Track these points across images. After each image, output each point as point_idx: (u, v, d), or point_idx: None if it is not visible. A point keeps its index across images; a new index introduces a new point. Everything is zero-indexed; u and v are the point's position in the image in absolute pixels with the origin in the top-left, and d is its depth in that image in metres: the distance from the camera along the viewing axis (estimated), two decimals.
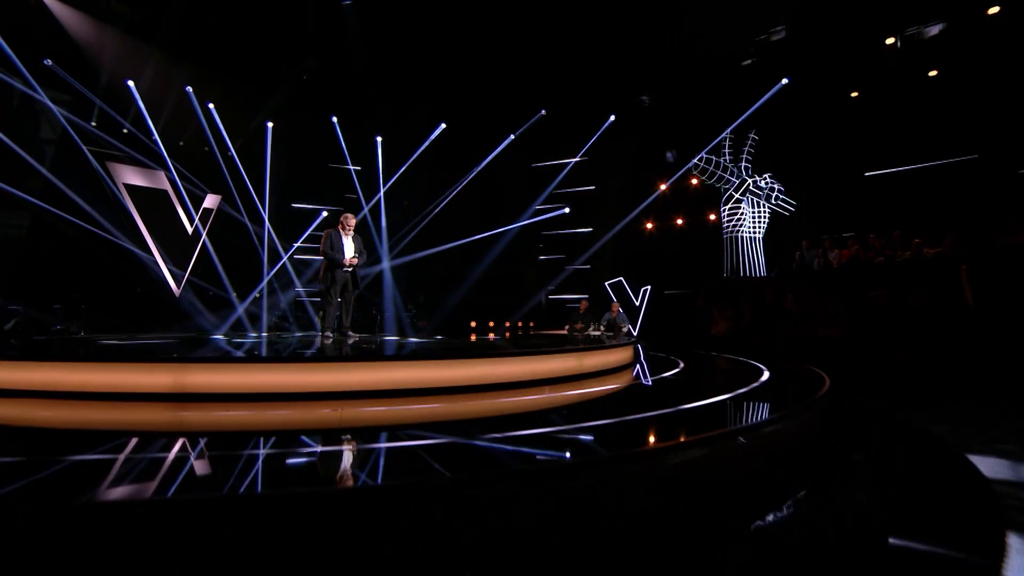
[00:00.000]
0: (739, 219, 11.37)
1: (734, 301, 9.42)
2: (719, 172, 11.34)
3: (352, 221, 7.62)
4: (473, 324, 12.50)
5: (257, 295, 12.65)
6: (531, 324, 13.94)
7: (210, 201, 13.22)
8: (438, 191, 15.24)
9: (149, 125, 11.91)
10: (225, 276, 12.69)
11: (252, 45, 11.37)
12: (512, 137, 14.34)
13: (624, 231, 14.12)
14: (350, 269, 7.50)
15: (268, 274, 12.74)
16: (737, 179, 11.36)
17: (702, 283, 11.55)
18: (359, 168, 14.49)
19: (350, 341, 7.56)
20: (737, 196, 11.34)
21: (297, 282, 13.06)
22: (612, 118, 13.73)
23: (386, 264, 13.21)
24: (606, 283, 13.58)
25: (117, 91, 11.32)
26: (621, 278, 13.49)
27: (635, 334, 12.54)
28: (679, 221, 13.53)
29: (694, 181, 13.24)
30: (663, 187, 13.81)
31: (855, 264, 9.81)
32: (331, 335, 7.44)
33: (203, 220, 13.05)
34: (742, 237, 11.37)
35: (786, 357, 6.96)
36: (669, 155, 12.33)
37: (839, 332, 6.62)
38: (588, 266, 14.46)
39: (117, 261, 11.04)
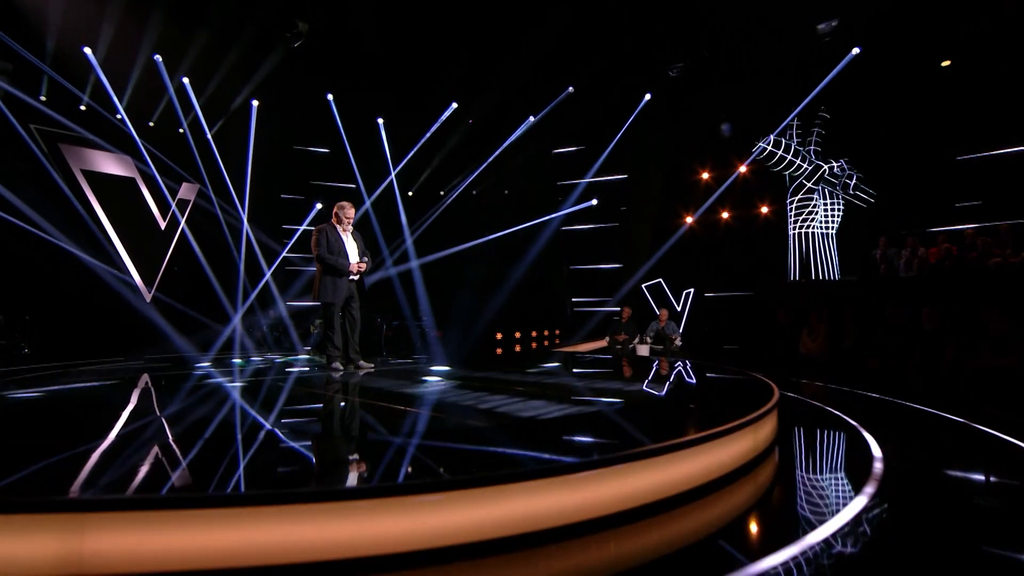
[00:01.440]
0: (811, 212, 9.72)
1: (831, 313, 7.80)
2: (788, 156, 9.67)
3: (351, 212, 5.86)
4: (499, 337, 10.80)
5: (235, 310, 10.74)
6: (556, 332, 12.29)
7: (186, 191, 11.38)
8: (447, 182, 13.51)
9: (113, 100, 10.04)
10: (213, 279, 10.83)
11: (233, 4, 9.52)
12: (532, 120, 12.62)
13: (660, 227, 12.50)
14: (356, 277, 5.84)
15: (252, 289, 10.85)
16: (809, 165, 9.69)
17: (773, 288, 9.92)
18: (327, 151, 12.63)
19: (362, 372, 5.88)
20: (809, 185, 9.68)
21: (279, 298, 11.07)
22: (648, 97, 12.05)
23: (414, 263, 11.41)
24: (643, 286, 11.94)
25: (72, 59, 9.44)
26: (660, 280, 11.87)
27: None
28: (724, 215, 11.90)
29: (742, 168, 11.63)
30: (706, 175, 12.19)
31: (958, 266, 8.25)
32: (340, 367, 5.77)
33: (179, 214, 11.21)
34: (813, 233, 9.74)
35: (962, 397, 5.23)
36: (725, 128, 10.63)
37: (1012, 362, 5.05)
38: (619, 265, 12.82)
39: (68, 263, 9.17)
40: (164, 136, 10.86)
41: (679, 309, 11.67)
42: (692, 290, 11.68)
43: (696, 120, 11.86)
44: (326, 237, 5.73)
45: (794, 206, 9.99)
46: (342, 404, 4.25)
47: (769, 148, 9.62)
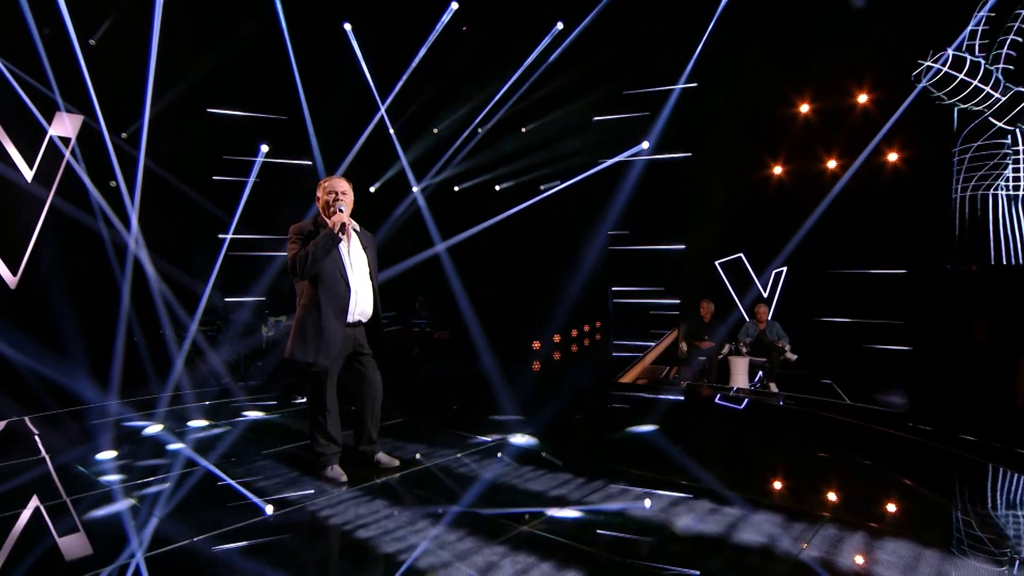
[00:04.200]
0: (996, 166, 6.42)
1: None
2: (974, 82, 6.26)
3: (342, 185, 3.34)
4: (537, 346, 7.66)
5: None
6: (597, 325, 9.15)
7: (63, 125, 7.78)
8: (442, 117, 9.93)
9: None
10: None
11: None
12: (559, 27, 9.00)
13: (738, 180, 9.23)
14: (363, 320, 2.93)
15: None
16: (1003, 94, 6.31)
17: (956, 272, 6.73)
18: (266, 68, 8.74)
19: (379, 480, 2.83)
20: (1000, 125, 6.33)
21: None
22: (724, 3, 8.48)
23: (440, 247, 8.12)
24: (717, 263, 8.73)
25: None
26: (741, 255, 8.67)
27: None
28: (831, 163, 8.62)
29: (863, 98, 8.29)
30: (805, 108, 8.84)
31: None
32: (340, 475, 3.08)
33: (54, 161, 7.67)
34: (998, 196, 6.49)
35: None
36: None
37: None
38: (679, 234, 9.56)
39: None
40: (21, 41, 7.18)
41: (766, 295, 8.54)
42: (785, 269, 8.50)
43: (798, 27, 8.39)
44: (310, 240, 3.16)
45: (969, 155, 6.65)
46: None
47: (946, 69, 6.18)
